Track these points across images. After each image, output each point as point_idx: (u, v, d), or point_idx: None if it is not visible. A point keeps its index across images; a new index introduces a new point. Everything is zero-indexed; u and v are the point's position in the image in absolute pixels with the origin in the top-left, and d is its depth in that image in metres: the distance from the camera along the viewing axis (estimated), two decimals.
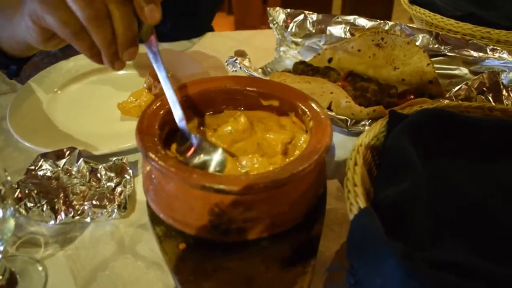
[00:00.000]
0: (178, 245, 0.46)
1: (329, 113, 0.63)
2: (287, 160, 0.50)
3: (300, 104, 0.53)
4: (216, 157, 0.49)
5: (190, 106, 0.55)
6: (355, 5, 1.94)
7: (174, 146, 0.51)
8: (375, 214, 0.40)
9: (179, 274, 0.44)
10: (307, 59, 0.82)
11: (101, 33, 0.50)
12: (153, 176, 0.47)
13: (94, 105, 0.78)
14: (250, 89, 0.56)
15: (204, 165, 0.49)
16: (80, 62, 0.87)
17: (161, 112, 0.51)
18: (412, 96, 0.72)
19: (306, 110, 0.51)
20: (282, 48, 0.84)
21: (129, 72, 0.86)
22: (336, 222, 0.55)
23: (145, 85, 0.77)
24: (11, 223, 0.45)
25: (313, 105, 0.52)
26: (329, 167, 0.66)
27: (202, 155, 0.49)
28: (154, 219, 0.49)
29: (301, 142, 0.51)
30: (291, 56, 0.84)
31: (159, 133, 0.48)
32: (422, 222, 0.43)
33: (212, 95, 0.56)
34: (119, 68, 0.53)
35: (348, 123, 0.61)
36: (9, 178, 0.52)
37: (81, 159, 0.59)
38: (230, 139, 0.52)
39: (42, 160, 0.60)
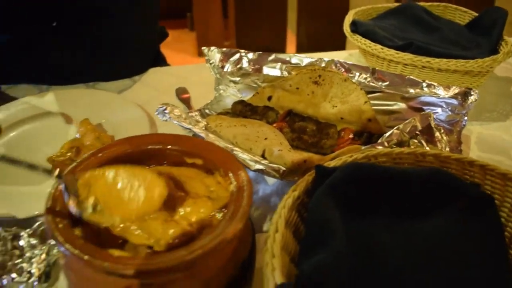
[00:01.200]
0: None
1: (263, 162, 0.61)
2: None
3: (223, 165, 0.50)
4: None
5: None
6: (309, 34, 1.94)
7: None
8: None
9: None
10: (247, 98, 0.80)
11: None
12: (65, 256, 0.44)
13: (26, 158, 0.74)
14: (173, 147, 0.54)
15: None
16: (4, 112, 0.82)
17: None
18: (351, 135, 0.71)
19: (229, 172, 0.49)
20: (221, 87, 0.83)
21: (53, 123, 0.82)
22: None
23: (77, 135, 0.73)
24: None
25: (237, 166, 0.50)
26: (265, 217, 0.64)
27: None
28: None
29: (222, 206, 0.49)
30: (231, 94, 0.82)
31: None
32: None
33: (134, 156, 0.54)
34: None
35: (281, 172, 0.59)
36: None
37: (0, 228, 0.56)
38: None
39: None
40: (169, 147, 0.54)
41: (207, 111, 0.78)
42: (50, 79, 0.95)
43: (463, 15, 1.05)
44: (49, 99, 0.85)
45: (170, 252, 0.40)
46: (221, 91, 0.82)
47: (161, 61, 1.22)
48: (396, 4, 1.05)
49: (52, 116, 0.82)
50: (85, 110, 0.79)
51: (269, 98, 0.78)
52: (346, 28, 0.95)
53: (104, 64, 0.96)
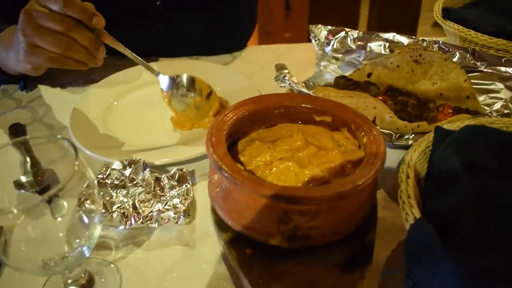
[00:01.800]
0: (246, 250, 0.51)
1: None
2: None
3: (353, 121, 0.57)
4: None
5: (248, 121, 0.60)
6: (382, 15, 1.98)
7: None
8: (429, 224, 0.44)
9: (248, 276, 0.49)
10: (347, 74, 0.86)
11: (76, 53, 0.75)
12: (223, 186, 0.51)
13: (148, 117, 0.83)
14: (305, 105, 0.61)
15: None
16: (129, 74, 0.92)
17: (225, 127, 0.56)
18: (450, 111, 0.76)
19: (360, 127, 0.56)
20: (322, 63, 0.89)
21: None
22: (385, 230, 0.59)
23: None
24: (98, 229, 0.50)
25: (366, 121, 0.56)
26: None
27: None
28: (221, 225, 0.54)
29: (355, 158, 0.55)
30: (331, 70, 0.89)
31: (226, 146, 0.53)
32: (470, 234, 0.47)
33: (270, 111, 0.61)
34: (101, 62, 0.80)
35: (393, 137, 0.66)
36: (96, 181, 0.58)
37: (148, 168, 0.64)
38: (286, 153, 0.57)
39: (109, 169, 0.65)
40: (302, 105, 0.61)
41: (311, 84, 0.85)
42: (154, 52, 1.05)
43: None
44: (160, 67, 0.94)
45: (327, 185, 0.47)
46: (322, 67, 0.89)
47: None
48: None
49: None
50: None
51: (369, 75, 0.84)
52: (437, 14, 0.99)
53: (214, 38, 1.05)
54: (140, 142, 0.75)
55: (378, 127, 0.68)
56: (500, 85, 0.78)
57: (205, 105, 0.80)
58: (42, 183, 0.52)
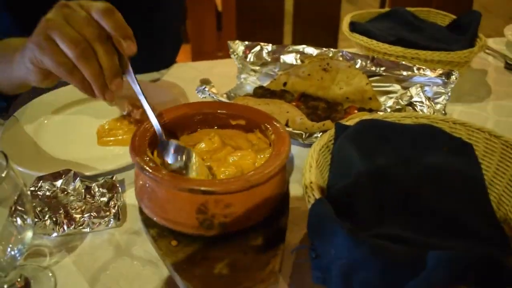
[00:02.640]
0: (171, 242, 0.56)
1: (287, 128, 0.75)
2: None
3: (263, 122, 0.64)
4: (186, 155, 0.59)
5: (169, 129, 0.66)
6: (305, 34, 2.11)
7: (155, 154, 0.61)
8: (328, 203, 0.52)
9: (173, 264, 0.54)
10: (265, 84, 0.94)
11: (89, 68, 0.63)
12: (147, 185, 0.57)
13: (79, 132, 0.86)
14: (221, 111, 0.67)
15: (182, 164, 0.59)
16: (61, 94, 0.95)
17: (147, 133, 0.61)
18: (356, 111, 0.85)
19: (268, 126, 0.63)
20: (242, 76, 0.97)
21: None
22: (299, 218, 0.66)
23: (124, 112, 0.87)
24: (30, 233, 0.53)
25: (274, 122, 0.63)
26: (289, 173, 0.77)
27: (178, 157, 0.60)
28: (148, 222, 0.59)
29: (266, 154, 0.62)
30: (251, 82, 0.96)
31: (148, 151, 0.59)
32: (367, 207, 0.56)
33: (189, 118, 0.67)
34: (110, 99, 0.65)
35: (303, 136, 0.74)
36: (28, 192, 0.61)
37: (78, 178, 0.68)
38: (205, 155, 0.63)
39: (40, 182, 0.68)
40: (219, 111, 0.67)
41: (232, 94, 0.92)
42: None
43: (444, 18, 1.21)
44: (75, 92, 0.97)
45: (238, 176, 0.54)
46: (242, 79, 0.96)
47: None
48: (387, 9, 1.21)
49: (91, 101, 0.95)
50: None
51: (285, 84, 0.92)
52: (345, 28, 1.10)
53: (141, 55, 1.10)
54: (69, 156, 0.79)
55: (290, 128, 0.76)
56: (397, 87, 0.88)
57: None
58: None
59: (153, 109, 0.64)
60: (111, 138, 0.82)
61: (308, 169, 0.58)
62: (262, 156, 0.63)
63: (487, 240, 0.55)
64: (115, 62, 0.65)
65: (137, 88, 0.65)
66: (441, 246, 0.50)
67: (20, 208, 0.52)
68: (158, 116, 0.64)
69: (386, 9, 1.22)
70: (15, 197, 0.51)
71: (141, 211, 0.61)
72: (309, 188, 0.55)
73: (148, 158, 0.56)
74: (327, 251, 0.49)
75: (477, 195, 0.60)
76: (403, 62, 0.87)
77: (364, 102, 0.86)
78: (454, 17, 1.19)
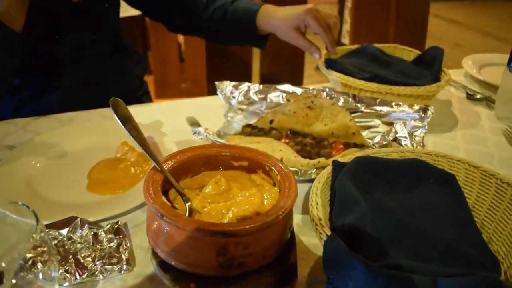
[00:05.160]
0: (190, 284, 0.59)
1: None
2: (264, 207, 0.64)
3: (266, 163, 0.68)
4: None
5: (173, 173, 0.68)
6: (272, 65, 2.19)
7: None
8: (339, 238, 0.56)
9: None
10: (253, 122, 0.99)
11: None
12: (165, 231, 0.59)
13: (70, 177, 0.87)
14: (224, 153, 0.71)
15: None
16: (51, 137, 0.96)
17: (158, 179, 0.64)
18: (341, 146, 0.91)
19: (273, 167, 0.67)
20: (230, 114, 1.01)
21: (99, 142, 0.96)
22: (302, 252, 0.70)
23: (118, 155, 0.88)
24: (56, 286, 0.54)
25: (277, 162, 0.68)
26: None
27: None
28: (164, 267, 0.61)
29: (271, 193, 0.66)
30: (238, 120, 1.00)
31: (163, 196, 0.61)
32: (371, 240, 0.60)
33: (193, 161, 0.70)
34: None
35: (299, 173, 0.78)
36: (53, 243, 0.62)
37: (86, 225, 0.69)
38: (213, 198, 0.67)
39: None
40: (222, 153, 0.71)
41: (222, 133, 0.95)
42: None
43: (409, 53, 1.31)
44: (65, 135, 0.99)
45: (255, 218, 0.57)
46: (229, 118, 1.00)
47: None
48: (357, 46, 1.30)
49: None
50: (101, 139, 0.96)
51: (271, 122, 0.97)
52: (322, 66, 1.17)
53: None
54: (67, 201, 0.79)
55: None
56: (378, 121, 0.95)
57: None
58: None
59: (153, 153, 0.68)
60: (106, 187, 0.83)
61: (315, 207, 0.62)
62: (268, 195, 0.66)
63: (481, 264, 0.60)
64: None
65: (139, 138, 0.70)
66: (444, 273, 0.55)
67: (44, 263, 0.53)
68: (164, 163, 0.67)
69: (356, 45, 1.30)
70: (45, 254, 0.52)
71: (155, 256, 0.63)
72: (319, 225, 0.59)
73: (165, 204, 0.59)
74: (345, 283, 0.53)
75: (464, 220, 0.66)
76: (381, 99, 0.94)
77: (348, 137, 0.92)
78: (419, 52, 1.29)
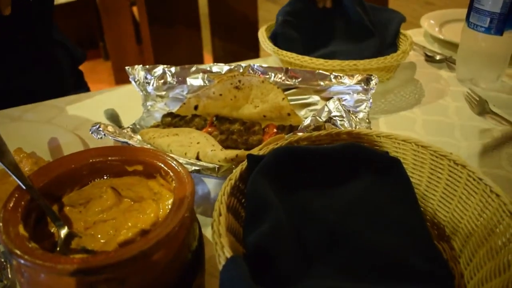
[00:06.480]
0: None
1: (198, 163, 0.66)
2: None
3: (162, 166, 0.55)
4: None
5: (54, 188, 0.55)
6: (225, 48, 2.04)
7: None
8: (242, 261, 0.44)
9: None
10: (175, 109, 0.85)
11: None
12: (22, 271, 0.46)
13: None
14: (112, 158, 0.57)
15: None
16: None
17: (21, 203, 0.50)
18: (275, 130, 0.78)
19: (169, 171, 0.54)
20: (148, 103, 0.87)
21: None
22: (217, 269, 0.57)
23: None
24: None
25: (173, 164, 0.54)
26: (206, 213, 0.69)
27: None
28: None
29: (168, 204, 0.53)
30: (159, 108, 0.87)
31: (20, 226, 0.48)
32: (287, 257, 0.48)
33: (76, 172, 0.57)
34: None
35: (217, 170, 0.65)
36: None
37: None
38: (99, 215, 0.54)
39: None
40: (109, 158, 0.57)
41: (138, 126, 0.82)
42: None
43: None
44: None
45: (127, 246, 0.44)
46: (149, 107, 0.87)
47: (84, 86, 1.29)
48: None
49: None
50: (13, 143, 0.80)
51: (196, 107, 0.83)
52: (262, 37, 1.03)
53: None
54: None
55: (202, 162, 0.67)
56: (316, 98, 0.82)
57: None
58: None
59: (35, 163, 0.54)
60: None
61: (217, 218, 0.50)
62: (167, 206, 0.54)
63: (429, 275, 0.48)
64: None
65: None
66: None
67: None
68: (36, 175, 0.54)
69: None
70: None
71: None
72: (218, 244, 0.46)
73: (19, 236, 0.45)
74: None
75: (411, 220, 0.53)
76: (320, 71, 0.81)
77: (282, 118, 0.79)
78: None
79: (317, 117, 0.67)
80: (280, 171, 0.55)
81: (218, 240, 0.47)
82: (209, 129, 0.78)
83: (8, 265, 0.59)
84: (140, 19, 2.52)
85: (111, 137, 0.67)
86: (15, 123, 0.92)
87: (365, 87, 0.76)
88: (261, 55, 2.13)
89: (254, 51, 1.98)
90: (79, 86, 1.33)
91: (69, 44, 1.25)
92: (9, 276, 0.58)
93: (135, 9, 2.96)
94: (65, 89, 1.24)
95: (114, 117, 0.90)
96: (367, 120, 0.75)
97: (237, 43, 2.05)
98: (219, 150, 0.68)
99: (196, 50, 2.07)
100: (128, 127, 0.81)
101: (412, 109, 0.93)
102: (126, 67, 0.85)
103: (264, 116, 0.79)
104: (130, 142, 0.67)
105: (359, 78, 0.77)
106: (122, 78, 2.94)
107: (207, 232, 0.64)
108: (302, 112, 0.81)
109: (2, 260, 0.59)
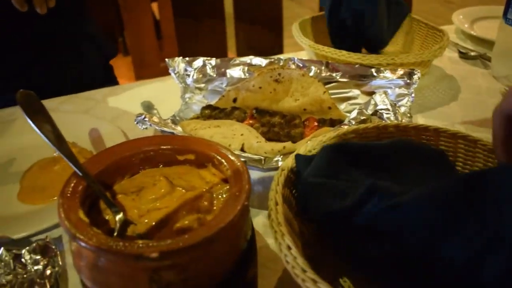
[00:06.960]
0: None
1: (243, 154, 0.66)
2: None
3: (215, 155, 0.55)
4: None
5: (106, 176, 0.55)
6: (248, 38, 2.03)
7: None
8: None
9: None
10: (214, 102, 0.85)
11: None
12: (84, 255, 0.46)
13: (0, 183, 0.74)
14: (164, 147, 0.58)
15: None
16: None
17: (79, 189, 0.51)
18: (316, 123, 0.77)
19: (223, 161, 0.54)
20: (187, 95, 0.87)
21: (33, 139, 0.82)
22: (269, 259, 0.58)
23: (55, 154, 0.75)
24: None
25: (227, 154, 0.54)
26: (252, 204, 0.69)
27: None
28: None
29: (225, 194, 0.53)
30: (197, 101, 0.87)
31: (80, 211, 0.48)
32: None
33: (127, 160, 0.57)
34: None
35: (263, 161, 0.65)
36: None
37: (1, 248, 0.57)
38: (152, 203, 0.54)
39: None
40: (162, 147, 0.58)
41: (178, 118, 0.82)
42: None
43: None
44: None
45: (189, 233, 0.45)
46: (187, 99, 0.87)
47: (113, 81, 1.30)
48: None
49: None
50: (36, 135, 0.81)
51: (235, 100, 0.84)
52: (296, 33, 1.02)
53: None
54: None
55: (247, 154, 0.67)
56: (356, 92, 0.81)
57: None
58: None
59: (78, 153, 0.54)
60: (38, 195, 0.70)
61: (274, 208, 0.50)
62: (220, 196, 0.54)
63: None
64: None
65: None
66: None
67: None
68: (89, 164, 0.54)
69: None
70: None
71: (82, 283, 0.50)
72: (279, 233, 0.46)
73: (80, 221, 0.46)
74: None
75: None
76: (359, 65, 0.80)
77: (323, 112, 0.79)
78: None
79: (363, 110, 0.67)
80: (332, 170, 0.55)
81: (277, 229, 0.47)
82: (250, 122, 0.78)
83: (58, 252, 0.59)
84: (163, 14, 2.53)
85: (157, 128, 0.68)
86: (54, 113, 0.92)
87: (407, 81, 0.76)
88: (284, 51, 2.13)
89: (277, 47, 1.98)
90: (109, 81, 1.34)
91: (101, 38, 1.26)
92: (59, 262, 0.58)
93: (153, 5, 2.97)
94: (96, 83, 1.25)
95: (151, 109, 0.90)
96: (409, 115, 0.75)
97: (261, 39, 2.05)
98: (264, 142, 0.68)
99: (220, 44, 2.07)
100: (169, 118, 0.81)
101: (449, 104, 0.92)
102: (166, 59, 0.85)
103: (304, 109, 0.79)
104: (175, 132, 0.68)
105: (401, 72, 0.77)
106: (141, 74, 2.95)
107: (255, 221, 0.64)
108: (342, 106, 0.81)
109: (53, 247, 0.59)
